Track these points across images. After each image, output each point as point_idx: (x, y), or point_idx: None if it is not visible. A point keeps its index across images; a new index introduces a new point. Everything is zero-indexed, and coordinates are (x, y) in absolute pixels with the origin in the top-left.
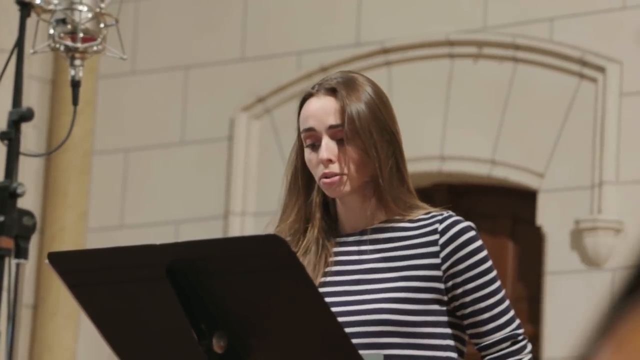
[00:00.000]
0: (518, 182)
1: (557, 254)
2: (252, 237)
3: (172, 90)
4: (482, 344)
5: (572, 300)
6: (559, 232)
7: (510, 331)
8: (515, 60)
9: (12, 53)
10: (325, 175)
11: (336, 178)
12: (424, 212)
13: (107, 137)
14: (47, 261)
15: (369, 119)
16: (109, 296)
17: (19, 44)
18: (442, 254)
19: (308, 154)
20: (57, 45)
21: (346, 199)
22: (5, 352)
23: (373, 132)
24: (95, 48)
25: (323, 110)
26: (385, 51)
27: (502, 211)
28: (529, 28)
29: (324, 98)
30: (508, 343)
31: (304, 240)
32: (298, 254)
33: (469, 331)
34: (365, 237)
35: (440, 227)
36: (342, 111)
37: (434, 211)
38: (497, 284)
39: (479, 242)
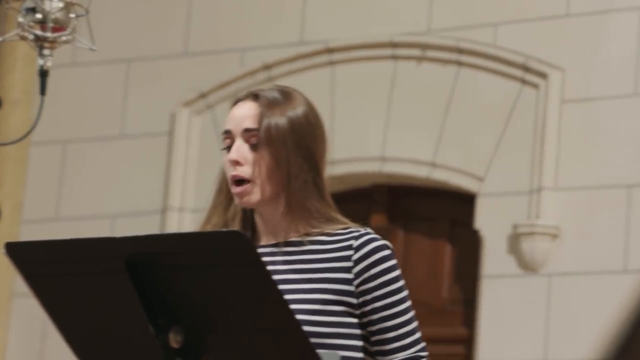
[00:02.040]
0: (458, 185)
1: (494, 258)
2: (213, 232)
3: (113, 83)
4: None
5: (508, 305)
6: (496, 236)
7: (414, 352)
8: (459, 64)
9: None
10: (234, 180)
11: (244, 187)
12: (342, 227)
13: (45, 128)
14: (3, 251)
15: (287, 130)
16: (66, 288)
17: None
18: (355, 270)
19: (223, 156)
20: (26, 34)
21: (260, 210)
22: None
23: (287, 143)
24: (64, 38)
25: (242, 114)
26: (329, 51)
27: (441, 214)
28: (473, 32)
29: (247, 103)
30: (395, 344)
31: None
32: None
33: (374, 348)
34: (277, 250)
35: (355, 243)
36: (260, 117)
37: (352, 227)
38: (406, 304)
39: (391, 262)
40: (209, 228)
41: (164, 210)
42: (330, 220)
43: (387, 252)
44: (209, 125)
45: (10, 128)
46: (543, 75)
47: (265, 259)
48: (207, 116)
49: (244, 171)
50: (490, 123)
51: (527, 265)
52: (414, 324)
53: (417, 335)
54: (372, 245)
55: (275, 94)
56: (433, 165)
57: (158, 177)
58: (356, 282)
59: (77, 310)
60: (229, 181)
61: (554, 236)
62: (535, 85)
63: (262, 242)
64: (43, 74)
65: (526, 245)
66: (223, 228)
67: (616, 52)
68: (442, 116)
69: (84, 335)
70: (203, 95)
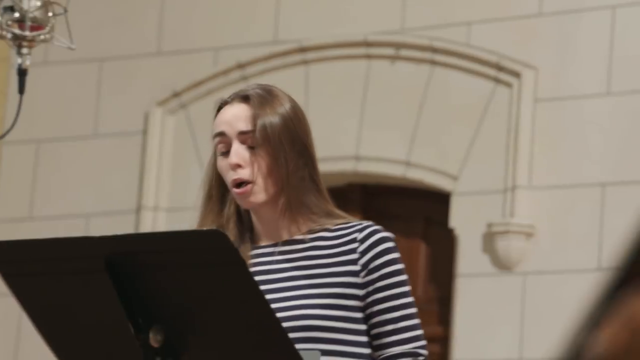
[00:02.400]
0: (432, 184)
1: (468, 257)
2: (193, 231)
3: (86, 82)
4: (382, 356)
5: (483, 303)
6: (471, 234)
7: (413, 348)
8: (432, 63)
9: None
10: (236, 183)
11: (246, 188)
12: (343, 221)
13: (18, 127)
14: None
15: (280, 128)
16: (44, 287)
17: None
18: (361, 262)
19: (220, 160)
20: (5, 33)
21: (260, 211)
22: None
23: (283, 141)
24: (43, 37)
25: (234, 116)
26: (303, 50)
27: (416, 213)
28: (447, 31)
29: (237, 105)
30: (408, 359)
31: None
32: None
33: (374, 342)
34: (278, 249)
35: (359, 235)
36: (254, 118)
37: (353, 220)
38: (408, 299)
39: (395, 254)
40: None
41: (139, 209)
42: (330, 215)
43: (391, 244)
44: (182, 124)
45: None
46: (516, 74)
47: (266, 259)
48: (180, 115)
49: (245, 173)
50: (464, 122)
51: (501, 264)
52: (415, 320)
53: (418, 332)
54: (376, 236)
55: (262, 92)
56: (407, 164)
57: (132, 177)
58: (362, 273)
59: (56, 309)
60: (229, 185)
61: (529, 235)
62: (508, 84)
63: (263, 243)
64: (22, 72)
65: (501, 243)
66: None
67: (589, 51)
68: (416, 115)
69: (63, 334)
70: (177, 95)
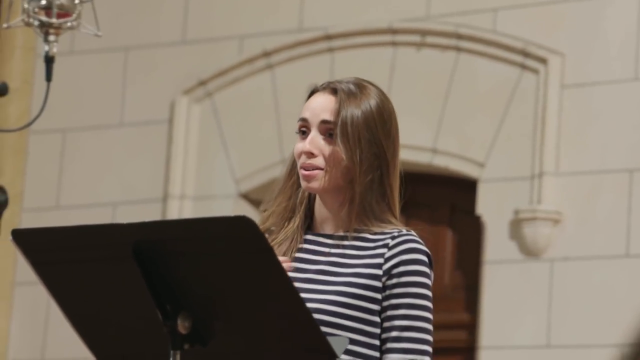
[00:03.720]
0: (458, 171)
1: (495, 244)
2: (221, 218)
3: (112, 71)
4: None
5: (510, 290)
6: (498, 221)
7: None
8: (458, 49)
9: None
10: (304, 167)
11: (314, 172)
12: (390, 228)
13: (44, 117)
14: (10, 238)
15: (362, 126)
16: (73, 275)
17: None
18: (385, 267)
19: (297, 142)
20: (31, 20)
21: (324, 199)
22: None
23: (362, 140)
24: (69, 24)
25: (320, 105)
26: (328, 38)
27: (442, 200)
28: (472, 18)
29: (325, 95)
30: (394, 344)
31: (286, 227)
32: (276, 241)
33: (381, 346)
34: (327, 241)
35: (391, 242)
36: (338, 111)
37: (398, 229)
38: (423, 312)
39: (421, 267)
40: (274, 209)
41: (165, 198)
42: (383, 220)
43: (419, 256)
44: (208, 112)
45: (9, 117)
46: (543, 61)
47: (313, 247)
48: (206, 104)
49: (317, 161)
50: (490, 109)
51: (529, 251)
52: (423, 335)
53: (423, 346)
54: (407, 246)
55: (352, 88)
56: (434, 151)
57: (158, 165)
58: (384, 278)
59: (85, 296)
60: (299, 166)
61: (556, 221)
62: (535, 71)
63: (317, 230)
64: (49, 60)
65: (528, 230)
66: (288, 210)
67: (616, 36)
68: (442, 102)
69: (91, 321)
70: (202, 83)
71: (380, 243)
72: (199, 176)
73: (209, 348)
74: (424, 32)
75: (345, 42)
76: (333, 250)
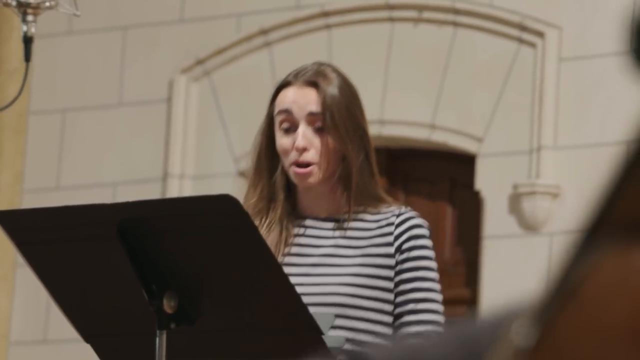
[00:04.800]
0: (457, 146)
1: (494, 218)
2: (204, 196)
3: (110, 51)
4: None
5: (510, 265)
6: (497, 196)
7: (428, 331)
8: (455, 24)
9: None
10: (298, 164)
11: (309, 169)
12: (385, 206)
13: (43, 97)
14: None
15: (345, 114)
16: (58, 255)
17: None
18: (395, 244)
19: (280, 137)
20: (9, 1)
21: (312, 187)
22: None
23: (348, 127)
24: (48, 4)
25: (304, 98)
26: (325, 14)
27: (441, 175)
28: None
29: (305, 88)
30: (411, 317)
31: (266, 219)
32: (261, 232)
33: (395, 321)
34: (326, 225)
35: (396, 220)
36: (323, 103)
37: (394, 205)
38: (431, 283)
39: (426, 241)
40: (252, 202)
41: (165, 177)
42: (377, 198)
43: (424, 230)
44: (207, 91)
45: (7, 98)
46: (540, 34)
47: (312, 232)
48: (204, 82)
49: (310, 156)
50: (488, 83)
51: (528, 225)
52: (437, 306)
53: (436, 317)
54: (411, 222)
55: (325, 76)
56: (432, 127)
57: (158, 145)
58: (396, 255)
59: (70, 276)
60: (288, 162)
61: (555, 195)
62: (532, 45)
63: (308, 215)
64: (27, 40)
65: (527, 204)
66: (263, 202)
67: (613, 8)
68: (440, 77)
69: (77, 301)
70: (200, 62)
71: (384, 222)
72: (199, 155)
73: (196, 327)
74: (421, 8)
75: (342, 19)
76: (336, 234)
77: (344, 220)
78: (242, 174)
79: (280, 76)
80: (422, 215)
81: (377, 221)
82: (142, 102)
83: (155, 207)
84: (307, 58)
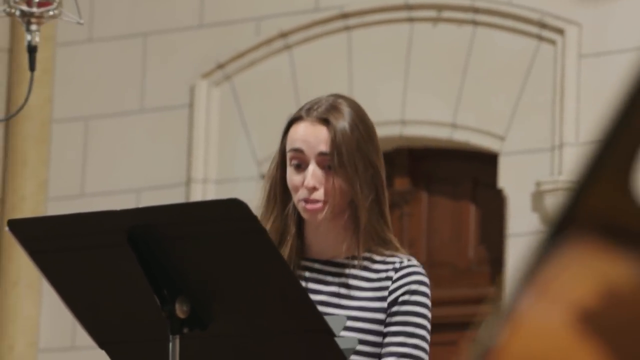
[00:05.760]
0: (479, 145)
1: (518, 216)
2: (213, 201)
3: (131, 57)
4: None
5: None
6: (520, 194)
7: None
8: (475, 23)
9: None
10: (308, 201)
11: (317, 205)
12: (390, 253)
13: (65, 105)
14: (7, 228)
15: (356, 153)
16: (70, 262)
17: None
18: (390, 298)
19: (291, 173)
20: (13, 10)
21: (321, 225)
22: None
23: (358, 167)
24: (51, 13)
25: (315, 136)
26: (345, 16)
27: (463, 174)
28: None
29: (316, 126)
30: None
31: None
32: None
33: None
34: (329, 269)
35: (394, 275)
36: (333, 142)
37: (399, 255)
38: (418, 341)
39: (421, 298)
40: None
41: (188, 182)
42: (384, 243)
43: (422, 287)
44: (228, 95)
45: (30, 106)
46: (560, 31)
47: (311, 275)
48: (225, 87)
49: (319, 195)
50: (508, 81)
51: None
52: None
53: None
54: (409, 278)
55: (337, 113)
56: (453, 126)
57: (180, 150)
58: (388, 309)
59: (83, 283)
60: (298, 199)
61: None
62: (552, 42)
63: (312, 255)
64: (31, 49)
65: (550, 202)
66: (276, 236)
67: (633, 4)
68: (461, 76)
69: (90, 308)
70: (220, 66)
71: (384, 275)
72: (221, 159)
73: (208, 331)
74: (440, 7)
75: (361, 20)
76: (336, 280)
77: (350, 266)
78: (264, 177)
79: (301, 79)
80: (446, 215)
81: (378, 272)
82: (164, 108)
83: (164, 213)
84: (327, 60)
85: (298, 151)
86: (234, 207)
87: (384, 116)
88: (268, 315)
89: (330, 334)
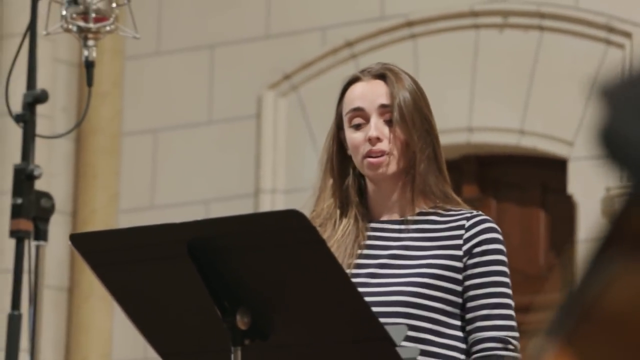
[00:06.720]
0: (547, 151)
1: (588, 222)
2: (271, 212)
3: (198, 69)
4: (473, 340)
5: None
6: (590, 200)
7: (505, 336)
8: (541, 28)
9: (25, 36)
10: (371, 154)
11: (382, 158)
12: (455, 208)
13: (135, 118)
14: (69, 242)
15: (412, 106)
16: (131, 275)
17: (32, 27)
18: (465, 247)
19: (352, 133)
20: (70, 27)
21: (383, 185)
22: (28, 334)
23: (415, 121)
24: (107, 28)
25: (373, 91)
26: (410, 24)
27: (532, 181)
28: None
29: (373, 81)
30: (499, 345)
31: (340, 224)
32: (335, 237)
33: (467, 326)
34: (395, 226)
35: (467, 223)
36: (392, 95)
37: (465, 208)
38: (506, 289)
39: (499, 245)
40: (317, 212)
41: (257, 193)
42: (447, 197)
43: (497, 235)
44: (295, 106)
45: (100, 120)
46: (627, 35)
47: (381, 234)
48: (292, 97)
49: (383, 146)
50: (576, 86)
51: None
52: (510, 311)
53: (511, 322)
54: (483, 225)
55: (392, 70)
56: (521, 132)
57: (248, 161)
58: (464, 258)
59: (144, 295)
60: (362, 155)
61: None
62: (620, 45)
63: (378, 217)
64: (89, 64)
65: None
66: (335, 208)
67: None
68: (528, 82)
69: (152, 320)
70: (287, 77)
71: (454, 224)
72: (289, 169)
73: (270, 342)
74: (505, 13)
75: (427, 28)
76: (402, 235)
77: (414, 222)
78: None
79: None
80: (515, 222)
81: (447, 222)
82: (231, 119)
83: (223, 224)
84: None
85: (358, 110)
86: (293, 218)
87: (451, 123)
88: (328, 325)
89: (391, 343)
